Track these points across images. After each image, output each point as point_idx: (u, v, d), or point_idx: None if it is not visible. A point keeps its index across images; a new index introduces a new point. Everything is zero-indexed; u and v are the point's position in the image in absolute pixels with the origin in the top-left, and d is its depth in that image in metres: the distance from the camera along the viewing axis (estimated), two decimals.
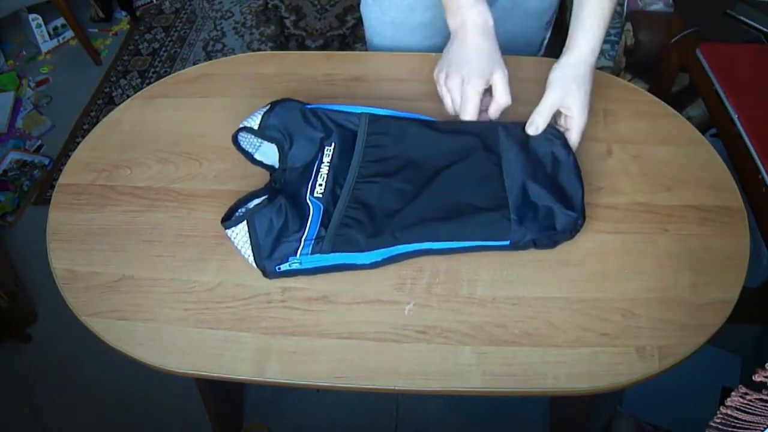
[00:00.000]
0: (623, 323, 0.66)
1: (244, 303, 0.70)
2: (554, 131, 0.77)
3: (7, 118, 2.09)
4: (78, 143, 0.92)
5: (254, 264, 0.70)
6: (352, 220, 0.71)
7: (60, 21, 2.36)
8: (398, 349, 0.66)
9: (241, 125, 0.77)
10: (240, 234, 0.70)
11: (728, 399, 0.49)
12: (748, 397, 0.48)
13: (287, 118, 0.78)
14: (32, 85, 2.24)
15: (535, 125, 0.76)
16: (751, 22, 1.26)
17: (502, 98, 0.77)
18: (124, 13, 2.53)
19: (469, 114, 0.77)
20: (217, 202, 0.79)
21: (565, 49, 0.78)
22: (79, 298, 0.71)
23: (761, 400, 0.47)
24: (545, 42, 1.06)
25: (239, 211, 0.73)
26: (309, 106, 0.80)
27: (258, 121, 0.77)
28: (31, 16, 2.26)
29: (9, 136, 2.05)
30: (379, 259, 0.70)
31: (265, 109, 0.78)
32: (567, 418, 1.25)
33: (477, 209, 0.71)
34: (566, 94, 0.75)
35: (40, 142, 2.04)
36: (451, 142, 0.77)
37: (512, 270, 0.71)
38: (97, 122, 1.20)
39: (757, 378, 0.46)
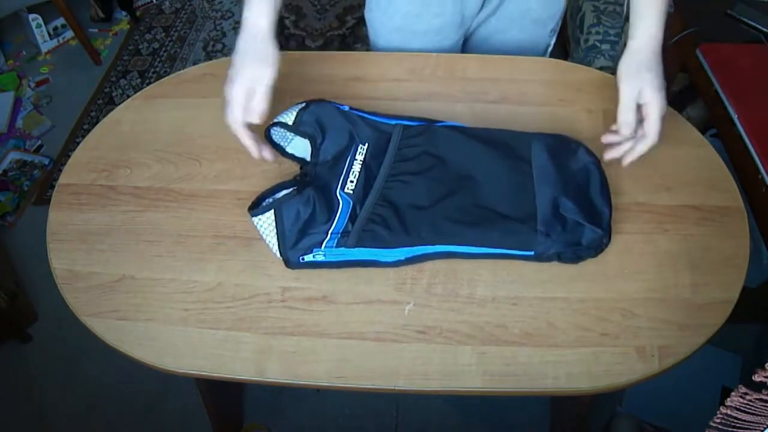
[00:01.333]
0: (623, 323, 0.66)
1: (244, 303, 0.70)
2: (586, 147, 0.77)
3: (7, 118, 2.09)
4: (78, 143, 0.92)
5: (278, 253, 0.70)
6: (379, 218, 0.71)
7: (60, 21, 2.35)
8: (398, 349, 0.65)
9: (275, 120, 0.78)
10: (266, 223, 0.70)
11: (728, 399, 0.49)
12: (748, 397, 0.48)
13: (322, 114, 0.79)
14: (32, 85, 2.24)
15: (628, 123, 0.73)
16: (751, 22, 1.26)
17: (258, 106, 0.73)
18: (124, 13, 2.53)
19: (233, 121, 0.73)
20: (217, 202, 0.79)
21: (628, 39, 0.77)
22: (79, 298, 0.71)
23: (761, 400, 0.47)
24: (550, 49, 1.06)
25: (267, 200, 0.74)
26: (343, 107, 0.81)
27: (293, 117, 0.78)
28: (31, 16, 2.26)
29: (9, 136, 2.05)
30: (402, 258, 0.71)
31: (300, 107, 0.79)
32: (567, 418, 1.25)
33: (504, 217, 0.71)
34: (640, 82, 0.73)
35: (40, 142, 2.04)
36: (483, 148, 0.77)
37: (512, 270, 0.71)
38: (97, 122, 1.20)
39: (757, 378, 0.46)
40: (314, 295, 0.70)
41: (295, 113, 0.78)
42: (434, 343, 0.66)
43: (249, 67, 0.73)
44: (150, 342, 0.67)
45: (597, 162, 0.76)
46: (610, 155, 0.77)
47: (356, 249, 0.70)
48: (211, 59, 2.10)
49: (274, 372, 0.65)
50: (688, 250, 0.71)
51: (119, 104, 0.93)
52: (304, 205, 0.71)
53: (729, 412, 0.50)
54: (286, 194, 0.73)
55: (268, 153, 0.77)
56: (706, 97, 1.23)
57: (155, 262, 0.74)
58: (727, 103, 1.12)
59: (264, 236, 0.71)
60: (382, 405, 1.35)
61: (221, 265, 0.73)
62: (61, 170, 0.85)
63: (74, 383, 1.44)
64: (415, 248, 0.70)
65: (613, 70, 0.78)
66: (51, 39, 2.37)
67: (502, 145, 0.77)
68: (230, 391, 1.35)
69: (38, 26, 2.31)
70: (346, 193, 0.73)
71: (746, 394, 0.48)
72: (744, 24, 1.27)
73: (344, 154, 0.77)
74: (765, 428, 0.49)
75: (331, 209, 0.72)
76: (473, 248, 0.70)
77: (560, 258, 0.70)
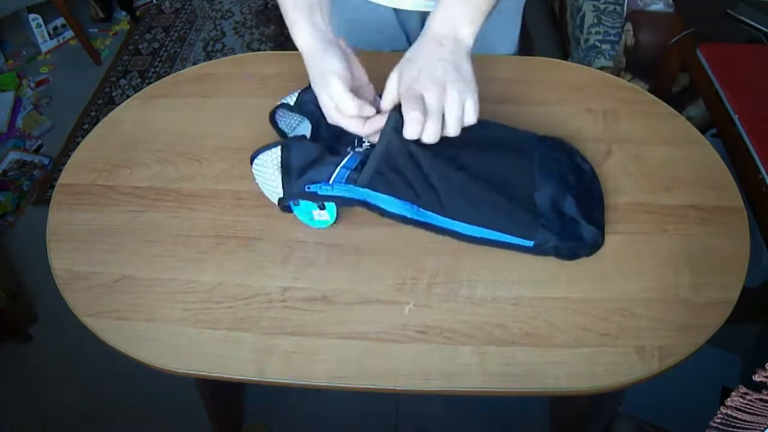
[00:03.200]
0: (623, 323, 0.66)
1: (244, 303, 0.70)
2: (581, 154, 0.79)
3: (7, 118, 2.09)
4: (78, 143, 0.91)
5: (279, 190, 0.68)
6: (394, 163, 0.67)
7: (60, 21, 2.36)
8: (398, 349, 0.66)
9: (280, 102, 0.78)
10: (269, 160, 0.68)
11: (728, 399, 0.49)
12: (748, 397, 0.48)
13: None
14: (32, 85, 2.25)
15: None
16: (751, 22, 1.26)
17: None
18: (124, 13, 2.53)
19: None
20: (217, 202, 0.79)
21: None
22: (79, 298, 0.71)
23: (761, 400, 0.47)
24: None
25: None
26: None
27: (295, 98, 0.77)
28: (31, 16, 2.27)
29: (9, 136, 2.05)
30: (407, 215, 0.70)
31: (302, 89, 0.77)
32: (567, 418, 1.25)
33: (508, 203, 0.70)
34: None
35: (40, 142, 2.04)
36: (489, 137, 0.76)
37: (512, 270, 0.71)
38: (97, 122, 1.20)
39: (757, 378, 0.46)
40: (314, 295, 0.70)
41: (296, 94, 0.77)
42: (434, 343, 0.66)
43: (317, 86, 0.69)
44: (150, 342, 0.67)
45: (592, 169, 0.78)
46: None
47: (365, 189, 0.68)
48: (211, 59, 2.10)
49: (274, 372, 0.65)
50: (688, 250, 0.71)
51: (119, 104, 0.93)
52: (314, 144, 0.68)
53: (729, 412, 0.50)
54: (294, 137, 0.71)
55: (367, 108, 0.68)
56: (706, 97, 1.23)
57: (155, 262, 0.74)
58: (727, 103, 1.12)
59: (262, 178, 0.69)
60: (382, 405, 1.35)
61: (221, 265, 0.73)
62: (61, 170, 0.85)
63: (74, 383, 1.45)
64: (421, 210, 0.69)
65: (613, 70, 0.78)
66: (51, 39, 2.38)
67: (506, 137, 0.78)
68: (230, 391, 1.35)
69: (38, 26, 2.31)
70: (357, 150, 0.72)
71: (746, 394, 0.48)
72: (744, 24, 1.28)
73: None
74: (765, 428, 0.49)
75: (342, 153, 0.70)
76: (474, 230, 0.70)
77: (557, 253, 0.70)
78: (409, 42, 1.03)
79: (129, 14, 2.51)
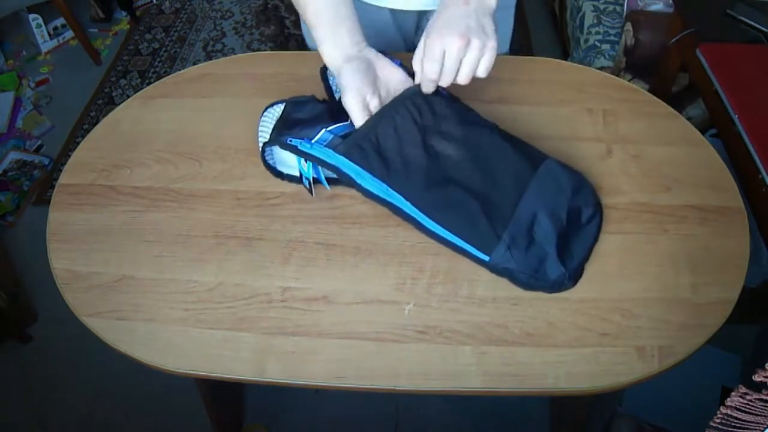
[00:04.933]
0: (623, 323, 0.66)
1: (244, 303, 0.70)
2: (594, 190, 0.75)
3: (7, 118, 2.09)
4: (78, 143, 0.92)
5: (267, 135, 0.74)
6: (376, 140, 0.71)
7: (60, 21, 2.36)
8: (398, 349, 0.66)
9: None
10: (274, 112, 0.75)
11: (728, 399, 0.49)
12: (748, 397, 0.48)
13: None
14: (32, 85, 2.25)
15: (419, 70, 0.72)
16: (751, 22, 1.26)
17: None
18: (124, 13, 2.53)
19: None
20: (217, 202, 0.79)
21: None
22: (79, 298, 0.71)
23: (761, 400, 0.47)
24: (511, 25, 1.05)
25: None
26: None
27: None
28: (31, 16, 2.27)
29: (9, 136, 2.05)
30: (377, 194, 0.71)
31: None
32: (567, 418, 1.25)
33: (478, 211, 0.69)
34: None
35: (40, 142, 2.04)
36: (502, 143, 0.74)
37: None
38: (97, 122, 1.20)
39: (757, 378, 0.46)
40: (314, 295, 0.70)
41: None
42: (434, 343, 0.66)
43: (347, 96, 0.72)
44: (150, 342, 0.67)
45: (599, 208, 0.74)
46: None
47: (341, 156, 0.70)
48: (211, 59, 2.10)
49: (274, 372, 0.65)
50: (688, 250, 0.71)
51: (119, 104, 0.93)
52: (317, 105, 0.74)
53: (729, 412, 0.50)
54: (305, 96, 0.78)
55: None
56: (706, 97, 1.23)
57: (155, 262, 0.74)
58: (727, 103, 1.12)
59: (262, 125, 0.74)
60: (382, 405, 1.36)
61: (221, 265, 0.73)
62: (61, 170, 0.85)
63: (74, 383, 1.45)
64: (391, 192, 0.70)
65: (613, 70, 0.78)
66: (51, 39, 2.38)
67: (519, 145, 0.75)
68: (230, 391, 1.35)
69: (38, 26, 2.31)
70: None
71: (746, 394, 0.48)
72: (744, 24, 1.28)
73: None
74: (765, 428, 0.49)
75: (337, 120, 0.74)
76: (436, 226, 0.70)
77: (512, 277, 0.68)
78: (406, 44, 1.03)
79: (129, 14, 2.51)
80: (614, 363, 0.63)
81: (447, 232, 0.69)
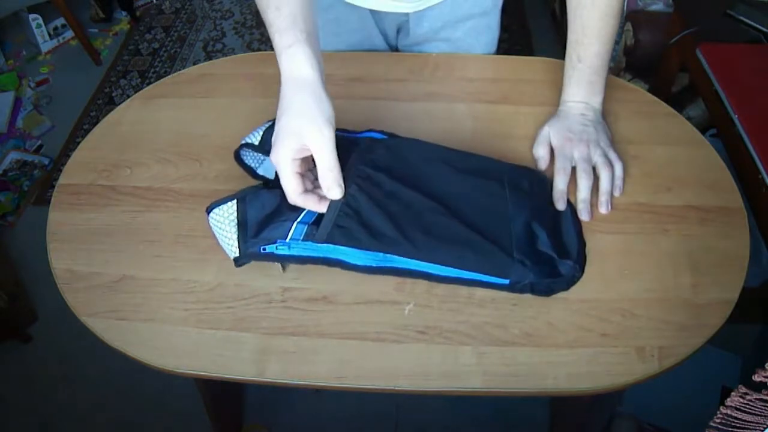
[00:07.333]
0: (623, 323, 0.66)
1: (244, 303, 0.70)
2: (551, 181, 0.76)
3: (7, 118, 2.09)
4: (78, 143, 0.91)
5: (235, 249, 0.66)
6: (353, 212, 0.65)
7: (60, 21, 2.36)
8: (398, 349, 0.65)
9: (242, 142, 0.75)
10: (225, 215, 0.65)
11: (728, 399, 0.49)
12: (748, 397, 0.48)
13: None
14: (32, 85, 2.25)
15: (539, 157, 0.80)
16: (751, 22, 1.26)
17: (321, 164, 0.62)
18: (124, 13, 2.53)
19: (292, 194, 0.63)
20: None
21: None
22: (79, 298, 0.71)
23: (761, 400, 0.47)
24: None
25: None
26: None
27: (259, 137, 0.74)
28: (31, 16, 2.27)
29: (9, 136, 2.05)
30: (373, 265, 0.67)
31: (266, 126, 0.75)
32: (567, 418, 1.25)
33: (484, 240, 0.67)
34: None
35: (40, 142, 2.04)
36: (460, 166, 0.74)
37: None
38: (97, 122, 1.20)
39: (757, 378, 0.46)
40: (314, 295, 0.70)
41: (261, 132, 0.74)
42: (434, 343, 0.66)
43: (296, 123, 0.62)
44: (150, 342, 0.67)
45: (567, 201, 0.76)
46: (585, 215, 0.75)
47: (324, 245, 0.65)
48: (211, 59, 2.10)
49: (274, 372, 0.65)
50: (688, 251, 0.71)
51: (119, 104, 0.93)
52: (270, 196, 0.65)
53: (729, 412, 0.50)
54: (252, 187, 0.68)
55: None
56: (706, 97, 1.23)
57: (155, 262, 0.74)
58: (727, 103, 1.12)
59: (219, 231, 0.67)
60: (382, 405, 1.36)
61: (221, 265, 0.73)
62: (61, 170, 0.85)
63: (74, 383, 1.45)
64: (388, 256, 0.66)
65: (613, 70, 0.78)
66: (51, 39, 2.38)
67: (477, 166, 0.75)
68: (230, 391, 1.35)
69: (38, 26, 2.31)
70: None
71: (746, 394, 0.48)
72: (744, 24, 1.28)
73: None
74: (765, 428, 0.49)
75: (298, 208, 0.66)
76: (447, 270, 0.67)
77: (533, 290, 0.68)
78: (387, 42, 1.03)
79: (129, 14, 2.51)
80: (614, 363, 0.63)
81: (463, 272, 0.67)
